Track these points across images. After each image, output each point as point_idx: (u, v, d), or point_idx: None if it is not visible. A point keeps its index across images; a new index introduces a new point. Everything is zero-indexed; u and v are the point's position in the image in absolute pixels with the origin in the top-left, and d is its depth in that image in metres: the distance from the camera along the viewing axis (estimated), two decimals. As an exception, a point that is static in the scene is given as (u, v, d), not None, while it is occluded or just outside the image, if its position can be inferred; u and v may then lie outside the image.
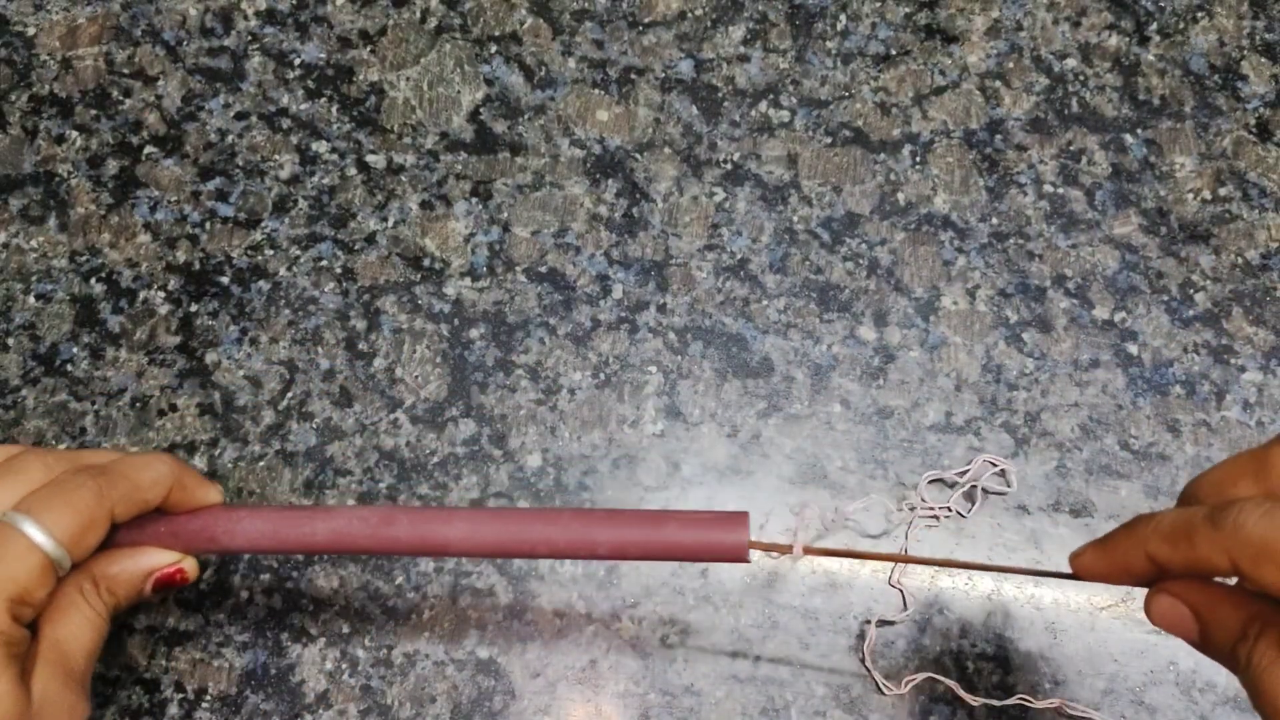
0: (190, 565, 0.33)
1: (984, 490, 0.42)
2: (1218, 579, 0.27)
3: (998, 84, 0.47)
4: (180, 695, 0.39)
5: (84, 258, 0.45)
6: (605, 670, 0.40)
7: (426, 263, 0.45)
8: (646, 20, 0.48)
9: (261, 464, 0.42)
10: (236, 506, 0.34)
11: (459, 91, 0.47)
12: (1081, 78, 0.47)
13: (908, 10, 0.48)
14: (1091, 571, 0.29)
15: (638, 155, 0.46)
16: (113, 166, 0.46)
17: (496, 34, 0.48)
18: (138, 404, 0.43)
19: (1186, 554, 0.26)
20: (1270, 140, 0.46)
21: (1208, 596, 0.27)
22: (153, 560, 0.32)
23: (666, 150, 0.46)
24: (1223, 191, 0.46)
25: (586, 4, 0.48)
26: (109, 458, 0.32)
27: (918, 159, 0.46)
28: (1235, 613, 0.26)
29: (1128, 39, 0.48)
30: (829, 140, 0.46)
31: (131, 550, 0.31)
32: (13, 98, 0.47)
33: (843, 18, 0.48)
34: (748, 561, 0.32)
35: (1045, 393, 0.43)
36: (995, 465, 0.41)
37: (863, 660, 0.39)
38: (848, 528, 0.41)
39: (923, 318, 0.44)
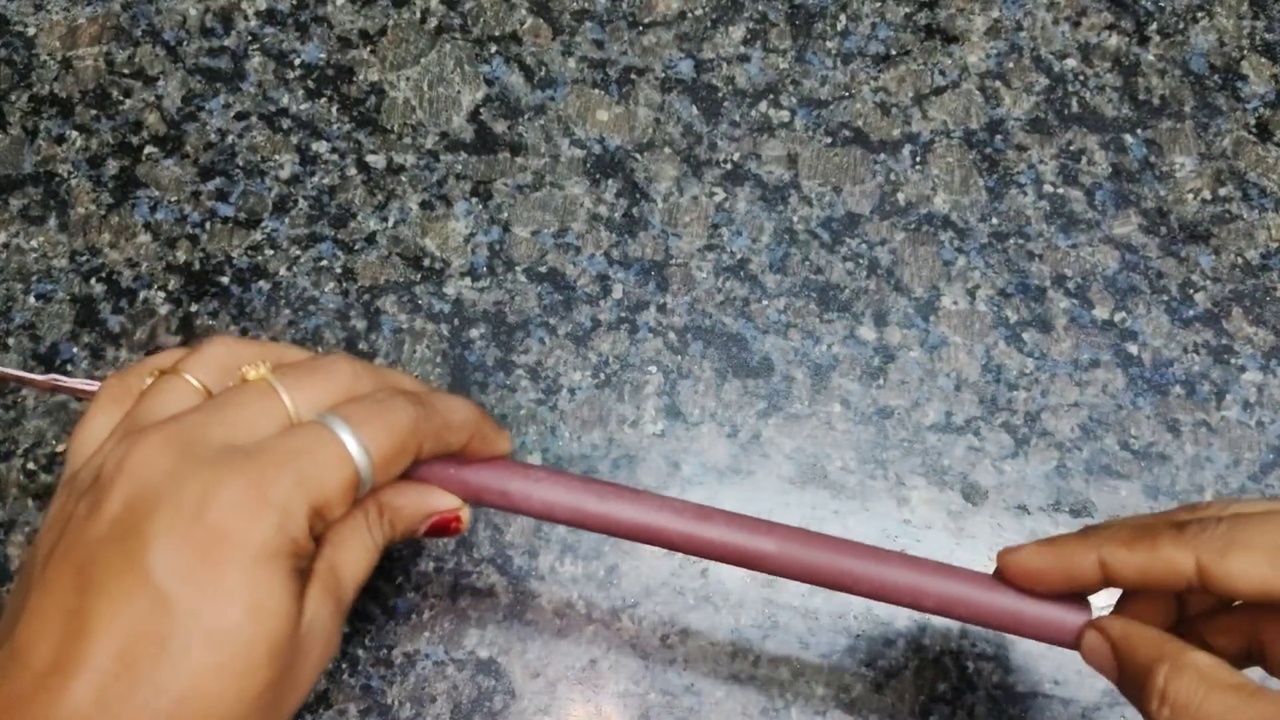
0: (466, 515, 0.31)
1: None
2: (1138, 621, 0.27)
3: (998, 84, 0.47)
4: (180, 695, 0.39)
5: (84, 258, 0.45)
6: (605, 670, 0.40)
7: (426, 263, 0.45)
8: (646, 20, 0.48)
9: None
10: (533, 466, 0.32)
11: (459, 91, 0.47)
12: (1081, 78, 0.47)
13: (908, 10, 0.48)
14: (1025, 567, 0.29)
15: (638, 155, 0.46)
16: (113, 166, 0.46)
17: (496, 34, 0.48)
18: (138, 404, 0.43)
19: (1146, 555, 0.26)
20: (1270, 140, 0.46)
21: (1126, 631, 0.26)
22: (437, 501, 0.30)
23: (666, 150, 0.46)
24: (1223, 191, 0.46)
25: (586, 4, 0.48)
26: (417, 386, 0.30)
27: (918, 159, 0.46)
28: (1151, 649, 0.25)
29: (1128, 39, 0.48)
30: (829, 140, 0.46)
31: (419, 486, 0.30)
32: (13, 98, 0.47)
33: (843, 18, 0.48)
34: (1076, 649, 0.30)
35: (1045, 393, 0.43)
36: None
37: None
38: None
39: (923, 318, 0.44)
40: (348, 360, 0.28)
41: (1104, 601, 0.31)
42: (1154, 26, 0.48)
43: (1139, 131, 0.47)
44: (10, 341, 0.43)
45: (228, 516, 0.23)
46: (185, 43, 0.48)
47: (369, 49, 0.48)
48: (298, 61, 0.47)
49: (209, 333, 0.44)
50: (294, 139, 0.46)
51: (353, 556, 0.27)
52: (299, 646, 0.24)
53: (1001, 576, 0.31)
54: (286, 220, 0.45)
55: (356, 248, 0.45)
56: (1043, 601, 0.30)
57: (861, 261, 0.45)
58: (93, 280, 0.44)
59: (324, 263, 0.45)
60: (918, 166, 0.46)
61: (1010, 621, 0.31)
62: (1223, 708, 0.23)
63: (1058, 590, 0.29)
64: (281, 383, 0.26)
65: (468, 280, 0.45)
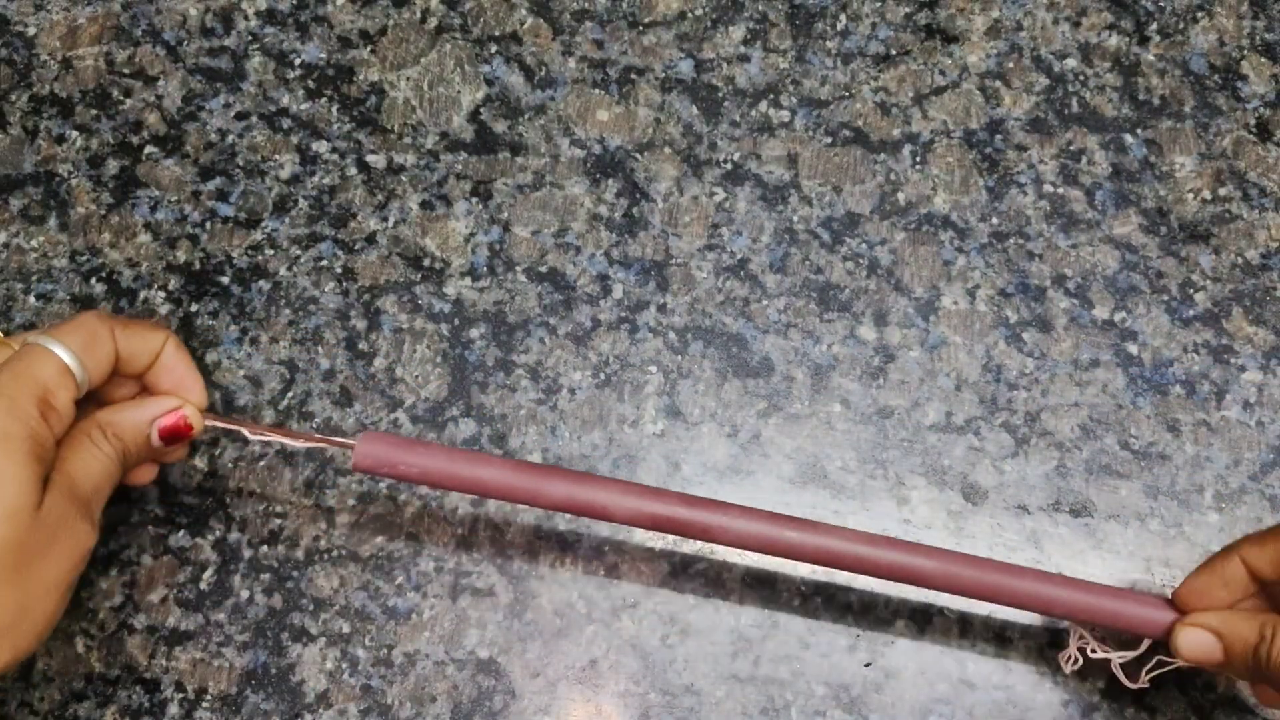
0: (191, 412, 0.35)
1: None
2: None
3: (998, 84, 0.47)
4: (180, 695, 0.39)
5: (84, 258, 0.45)
6: (605, 670, 0.40)
7: (426, 263, 0.45)
8: (646, 20, 0.48)
9: (262, 464, 0.42)
10: (414, 440, 0.36)
11: (459, 91, 0.47)
12: (1081, 78, 0.47)
13: (908, 10, 0.48)
14: (1193, 589, 0.33)
15: (638, 155, 0.46)
16: (113, 166, 0.46)
17: (496, 34, 0.48)
18: (138, 404, 0.43)
19: (1275, 545, 0.31)
20: (1270, 140, 0.46)
21: (1223, 619, 0.31)
22: (153, 408, 0.35)
23: (666, 150, 0.46)
24: (1223, 191, 0.46)
25: (586, 4, 0.48)
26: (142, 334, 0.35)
27: (918, 159, 0.46)
28: (1249, 623, 0.30)
29: (1128, 39, 0.48)
30: (829, 140, 0.46)
31: (135, 400, 0.35)
32: (13, 98, 0.47)
33: (843, 18, 0.48)
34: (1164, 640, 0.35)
35: (1045, 393, 0.43)
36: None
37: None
38: None
39: (923, 318, 0.44)
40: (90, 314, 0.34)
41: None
42: (1154, 26, 0.48)
43: (1139, 131, 0.47)
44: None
45: None
46: (185, 43, 0.48)
47: (369, 49, 0.48)
48: (298, 61, 0.47)
49: (209, 333, 0.44)
50: (294, 139, 0.46)
51: (83, 462, 0.32)
52: (40, 523, 0.30)
53: (1179, 607, 0.35)
54: (286, 220, 0.45)
55: (356, 248, 0.45)
56: (1135, 601, 0.35)
57: (861, 261, 0.45)
58: (93, 280, 0.44)
59: (324, 263, 0.45)
60: (918, 166, 0.46)
61: (1110, 619, 0.35)
62: None
63: (1227, 603, 0.33)
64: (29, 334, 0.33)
65: (468, 280, 0.45)
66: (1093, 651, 0.37)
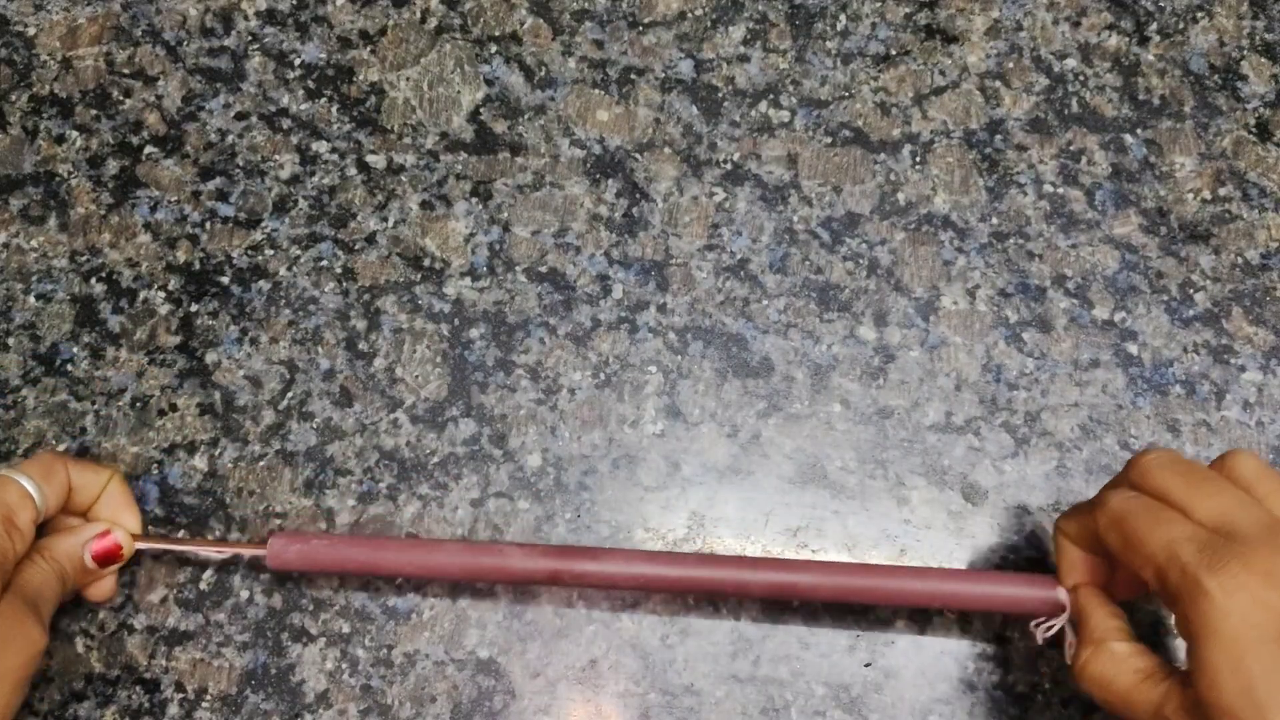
0: (122, 535, 0.39)
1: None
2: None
3: (998, 84, 0.47)
4: (180, 695, 0.39)
5: (84, 258, 0.45)
6: (605, 670, 0.40)
7: (426, 263, 0.45)
8: (646, 20, 0.48)
9: (261, 464, 0.42)
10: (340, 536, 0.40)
11: (459, 91, 0.47)
12: (1081, 78, 0.47)
13: (908, 10, 0.48)
14: (1065, 573, 0.37)
15: (638, 155, 0.46)
16: (113, 166, 0.46)
17: (496, 34, 0.48)
18: (138, 404, 0.43)
19: (1085, 523, 0.35)
20: (1270, 140, 0.46)
21: (1085, 601, 0.36)
22: (86, 533, 0.38)
23: (666, 150, 0.46)
24: (1223, 191, 0.46)
25: (586, 4, 0.48)
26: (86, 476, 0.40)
27: (918, 159, 0.46)
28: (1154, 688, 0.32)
29: (1128, 39, 0.48)
30: (829, 140, 0.46)
31: (74, 529, 0.38)
32: (13, 98, 0.47)
33: (843, 18, 0.48)
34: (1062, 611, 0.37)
35: (1045, 393, 0.43)
36: None
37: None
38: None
39: (923, 318, 0.44)
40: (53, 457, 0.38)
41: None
42: (1154, 26, 0.48)
43: (1139, 131, 0.47)
44: (10, 341, 0.43)
45: None
46: (185, 43, 0.48)
47: (369, 49, 0.48)
48: (298, 61, 0.47)
49: (209, 333, 0.44)
50: (294, 139, 0.46)
51: (32, 574, 0.36)
52: None
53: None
54: (286, 220, 0.45)
55: (356, 248, 0.45)
56: (1021, 583, 0.37)
57: (861, 261, 0.45)
58: (93, 280, 0.44)
59: (324, 263, 0.45)
60: (918, 166, 0.46)
61: (999, 604, 0.37)
62: (1126, 680, 0.33)
63: (1089, 578, 0.36)
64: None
65: (468, 280, 0.45)
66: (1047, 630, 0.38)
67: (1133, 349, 0.44)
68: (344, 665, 0.40)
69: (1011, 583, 0.37)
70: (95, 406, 0.43)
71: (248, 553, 0.39)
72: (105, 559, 0.38)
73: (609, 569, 0.37)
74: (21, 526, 0.36)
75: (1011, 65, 0.48)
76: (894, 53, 0.48)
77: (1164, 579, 0.31)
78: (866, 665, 0.40)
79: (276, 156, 0.46)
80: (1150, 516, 0.32)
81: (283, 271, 0.45)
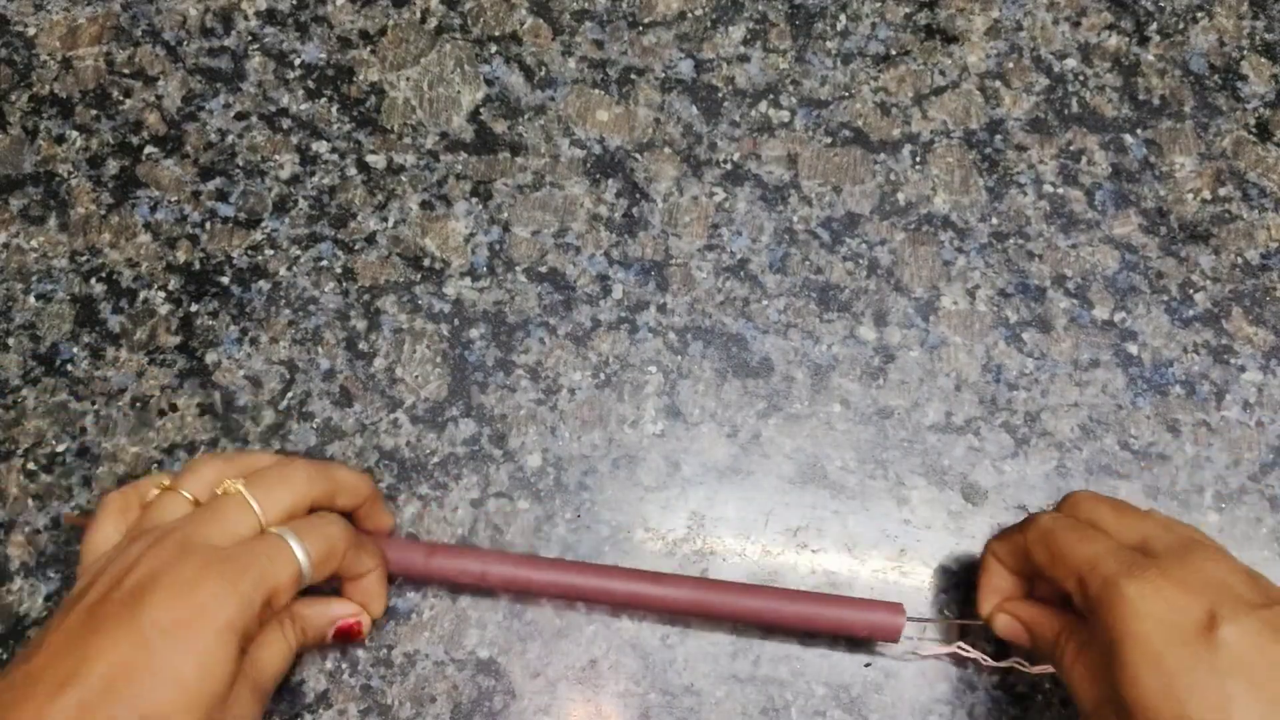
0: (367, 622, 0.38)
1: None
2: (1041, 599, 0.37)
3: (998, 84, 0.47)
4: (180, 695, 0.39)
5: (84, 258, 0.45)
6: (605, 670, 0.40)
7: (426, 263, 0.45)
8: (646, 20, 0.48)
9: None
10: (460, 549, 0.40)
11: (459, 91, 0.47)
12: (1081, 78, 0.47)
13: (908, 10, 0.48)
14: (991, 590, 0.38)
15: (638, 155, 0.46)
16: (113, 166, 0.46)
17: (496, 34, 0.48)
18: (138, 404, 0.43)
19: (1014, 543, 0.37)
20: (1270, 140, 0.46)
21: (1033, 612, 0.36)
22: (338, 610, 0.37)
23: (666, 150, 0.46)
24: (1223, 191, 0.46)
25: (586, 4, 0.48)
26: (356, 481, 0.38)
27: (918, 159, 0.46)
28: (1051, 624, 0.35)
29: (1128, 39, 0.48)
30: (829, 140, 0.46)
31: (326, 599, 0.37)
32: (13, 98, 0.47)
33: (843, 18, 0.48)
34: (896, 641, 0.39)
35: (1045, 393, 0.43)
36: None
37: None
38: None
39: (923, 318, 0.44)
40: (302, 467, 0.36)
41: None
42: (1154, 26, 0.48)
43: (1139, 131, 0.47)
44: (10, 341, 0.43)
45: (207, 598, 0.31)
46: (185, 43, 0.48)
47: (369, 49, 0.48)
48: (298, 61, 0.47)
49: (209, 333, 0.44)
50: (294, 139, 0.46)
51: (271, 654, 0.35)
52: (225, 712, 0.32)
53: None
54: (286, 220, 0.45)
55: (356, 248, 0.45)
56: (869, 609, 0.38)
57: (861, 261, 0.45)
58: (93, 280, 0.44)
59: (324, 263, 0.45)
60: (918, 166, 0.46)
61: (846, 628, 0.38)
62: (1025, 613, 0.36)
63: (1012, 593, 0.38)
64: (252, 494, 0.34)
65: (468, 280, 0.45)
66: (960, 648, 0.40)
67: (1133, 349, 0.44)
68: (344, 665, 0.40)
69: (863, 609, 0.38)
70: (95, 406, 0.43)
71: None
72: (344, 639, 0.38)
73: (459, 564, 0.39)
74: (278, 607, 0.33)
75: (1011, 65, 0.48)
76: (894, 53, 0.48)
77: (1085, 587, 0.33)
78: (866, 665, 0.40)
79: (276, 156, 0.46)
80: (1077, 533, 0.35)
81: (283, 271, 0.45)
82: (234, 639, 0.31)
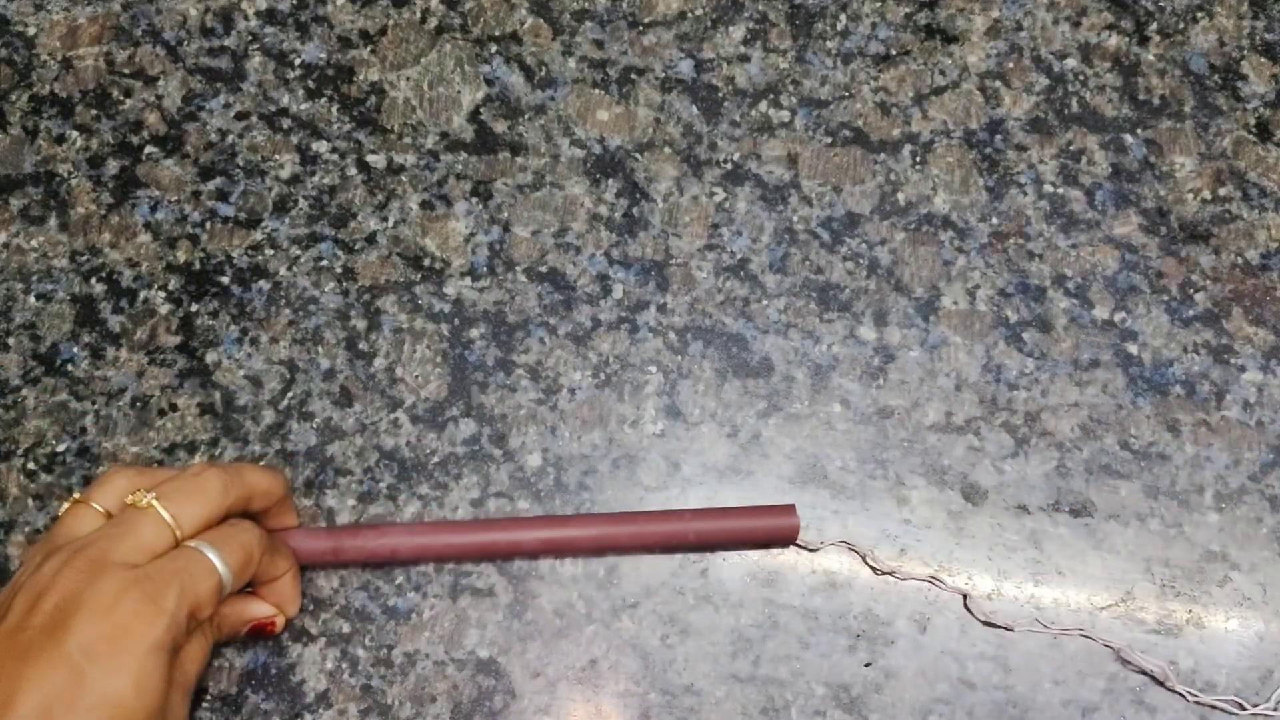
0: (281, 621, 0.38)
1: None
2: None
3: (998, 84, 0.47)
4: (180, 695, 0.39)
5: (84, 258, 0.45)
6: (605, 670, 0.40)
7: (427, 263, 0.45)
8: (646, 20, 0.48)
9: (262, 464, 0.42)
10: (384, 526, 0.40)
11: (459, 91, 0.47)
12: (1081, 78, 0.47)
13: (908, 10, 0.48)
14: None
15: (638, 155, 0.46)
16: (113, 166, 0.46)
17: (496, 34, 0.48)
18: (138, 404, 0.43)
19: None
20: (1270, 140, 0.46)
21: None
22: (255, 611, 0.38)
23: (666, 150, 0.46)
24: (1223, 191, 0.46)
25: (586, 4, 0.48)
26: (268, 480, 0.37)
27: (918, 159, 0.46)
28: None
29: (1128, 39, 0.48)
30: (829, 140, 0.46)
31: (243, 599, 0.38)
32: (13, 98, 0.47)
33: (843, 18, 0.48)
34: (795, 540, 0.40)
35: (1045, 393, 0.43)
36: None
37: None
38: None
39: (923, 318, 0.44)
40: (215, 477, 0.35)
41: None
42: (1154, 26, 0.48)
43: (1139, 131, 0.47)
44: (10, 341, 0.43)
45: (131, 618, 0.31)
46: (185, 43, 0.48)
47: (369, 49, 0.48)
48: (298, 61, 0.47)
49: (209, 333, 0.44)
50: (294, 139, 0.46)
51: (192, 656, 0.34)
52: (162, 717, 0.32)
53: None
54: (286, 220, 0.45)
55: (356, 248, 0.45)
56: (765, 514, 0.40)
57: (861, 261, 0.45)
58: (93, 280, 0.44)
59: (324, 263, 0.45)
60: (918, 166, 0.46)
61: (747, 536, 0.40)
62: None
63: None
64: (165, 507, 0.34)
65: (468, 280, 0.45)
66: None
67: (1133, 349, 0.44)
68: (344, 665, 0.40)
69: (753, 516, 0.40)
70: (95, 406, 0.43)
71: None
72: (258, 636, 0.38)
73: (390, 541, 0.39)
74: (203, 618, 0.34)
75: (1011, 65, 0.48)
76: (894, 53, 0.48)
77: None
78: (866, 665, 0.40)
79: (276, 156, 0.46)
80: None
81: (283, 271, 0.45)
82: (164, 656, 0.31)
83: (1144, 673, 0.39)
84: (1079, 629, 0.40)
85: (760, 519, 0.40)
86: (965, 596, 0.40)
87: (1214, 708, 0.39)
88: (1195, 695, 0.39)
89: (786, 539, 0.40)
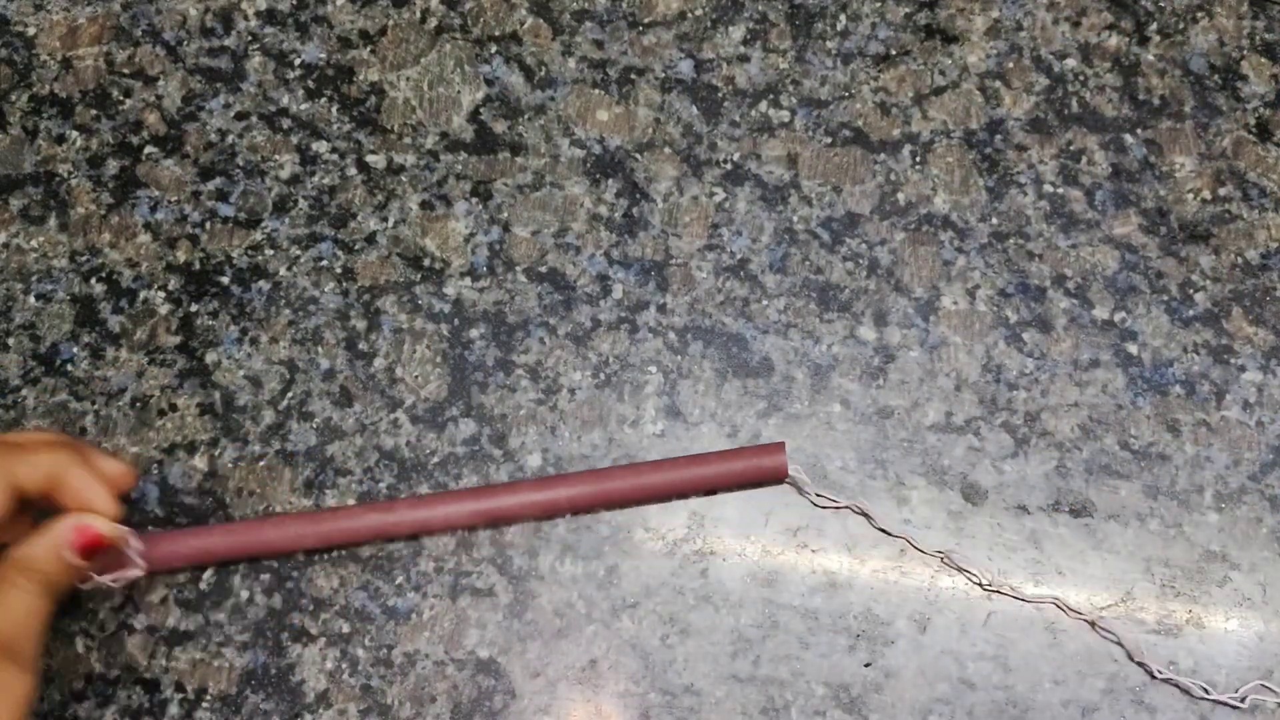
0: (98, 522, 0.34)
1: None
2: None
3: (998, 84, 0.47)
4: (180, 695, 0.39)
5: (84, 258, 0.45)
6: (605, 670, 0.40)
7: (426, 263, 0.45)
8: (646, 20, 0.48)
9: (261, 464, 0.42)
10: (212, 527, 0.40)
11: (459, 91, 0.47)
12: (1081, 78, 0.47)
13: (908, 10, 0.48)
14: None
15: (638, 155, 0.46)
16: (113, 166, 0.46)
17: (496, 34, 0.48)
18: (138, 404, 0.43)
19: None
20: (1270, 140, 0.46)
21: None
22: (56, 534, 0.33)
23: (666, 150, 0.46)
24: (1223, 191, 0.46)
25: (586, 4, 0.48)
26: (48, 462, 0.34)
27: (918, 159, 0.46)
28: None
29: (1128, 39, 0.48)
30: (829, 140, 0.46)
31: (41, 532, 0.33)
32: (13, 98, 0.47)
33: (843, 18, 0.48)
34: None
35: (1045, 393, 0.43)
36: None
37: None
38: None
39: (923, 318, 0.44)
40: None
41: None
42: (1154, 26, 0.48)
43: (1139, 131, 0.47)
44: (10, 341, 0.43)
45: None
46: (185, 43, 0.48)
47: (369, 49, 0.48)
48: (298, 61, 0.47)
49: (209, 333, 0.44)
50: (294, 139, 0.46)
51: (13, 607, 0.32)
52: None
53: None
54: (286, 220, 0.45)
55: (356, 248, 0.45)
56: (752, 454, 0.40)
57: (861, 261, 0.45)
58: (93, 280, 0.44)
59: (324, 263, 0.45)
60: (918, 166, 0.46)
61: (736, 477, 0.40)
62: None
63: None
64: None
65: (468, 280, 0.45)
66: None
67: (1133, 349, 0.44)
68: (344, 665, 0.40)
69: (742, 457, 0.40)
70: (95, 406, 0.43)
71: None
72: (91, 551, 0.34)
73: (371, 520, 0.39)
74: None
75: (1011, 65, 0.48)
76: (894, 53, 0.48)
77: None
78: (866, 665, 0.40)
79: (276, 156, 0.46)
80: None
81: (283, 271, 0.45)
82: None
83: (1118, 644, 0.40)
84: (1053, 598, 0.40)
85: (750, 459, 0.40)
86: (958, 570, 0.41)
87: (1179, 687, 0.39)
88: (1162, 672, 0.39)
89: (775, 477, 0.40)
